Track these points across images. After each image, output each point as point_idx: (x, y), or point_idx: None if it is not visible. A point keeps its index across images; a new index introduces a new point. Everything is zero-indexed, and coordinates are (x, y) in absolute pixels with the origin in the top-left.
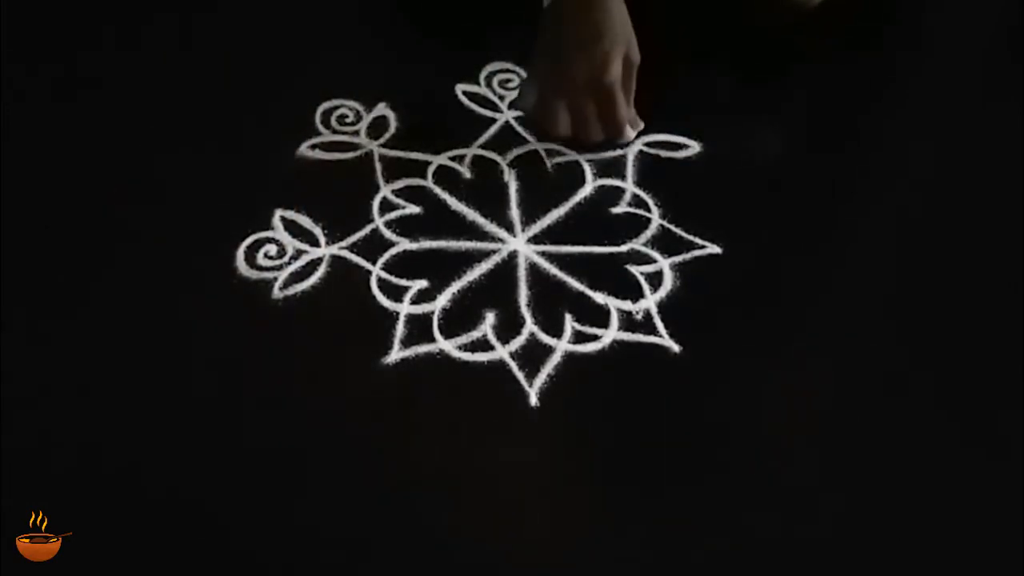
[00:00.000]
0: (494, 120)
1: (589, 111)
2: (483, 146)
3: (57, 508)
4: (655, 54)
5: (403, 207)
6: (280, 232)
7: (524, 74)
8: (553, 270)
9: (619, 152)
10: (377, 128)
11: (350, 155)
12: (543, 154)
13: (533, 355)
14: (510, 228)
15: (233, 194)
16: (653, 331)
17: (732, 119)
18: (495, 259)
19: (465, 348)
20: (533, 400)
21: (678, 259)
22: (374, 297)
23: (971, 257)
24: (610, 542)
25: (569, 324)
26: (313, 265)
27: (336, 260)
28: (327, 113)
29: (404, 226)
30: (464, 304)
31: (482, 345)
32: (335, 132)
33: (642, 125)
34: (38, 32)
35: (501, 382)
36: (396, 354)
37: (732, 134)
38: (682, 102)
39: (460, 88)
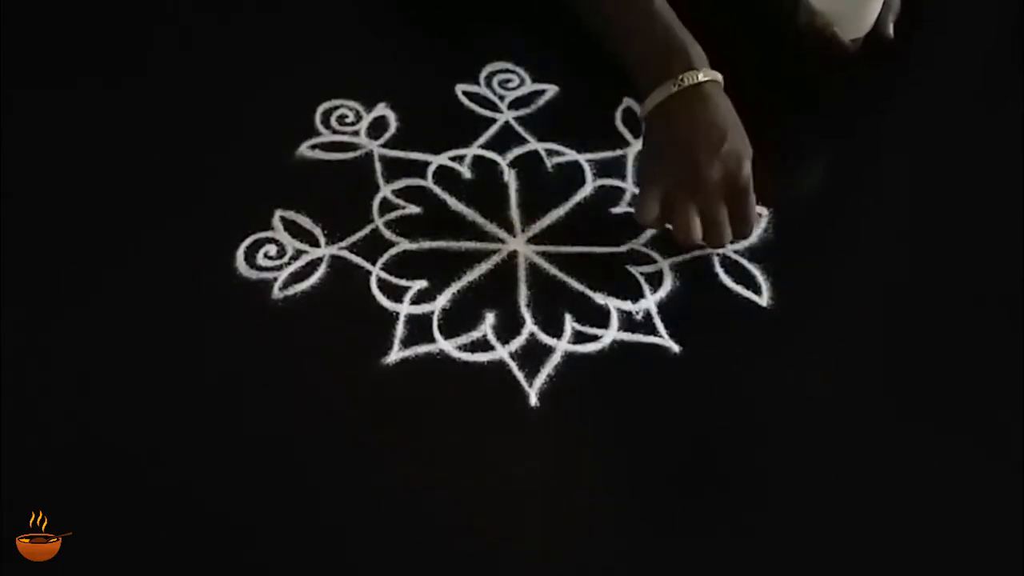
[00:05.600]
0: (494, 120)
1: (723, 214)
2: (483, 146)
3: (57, 508)
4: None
5: (403, 207)
6: (280, 232)
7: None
8: (553, 270)
9: (619, 152)
10: (377, 128)
11: (350, 155)
12: (543, 154)
13: (533, 355)
14: (510, 228)
15: (233, 194)
16: (653, 331)
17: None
18: (495, 259)
19: (465, 348)
20: (533, 400)
21: (678, 259)
22: (374, 297)
23: (973, 258)
24: (610, 542)
25: (569, 324)
26: (313, 265)
27: (336, 260)
28: (327, 113)
29: (404, 226)
30: (464, 304)
31: (482, 345)
32: (335, 132)
33: (765, 214)
34: (38, 32)
35: (501, 382)
36: (396, 354)
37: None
38: None
39: (460, 88)
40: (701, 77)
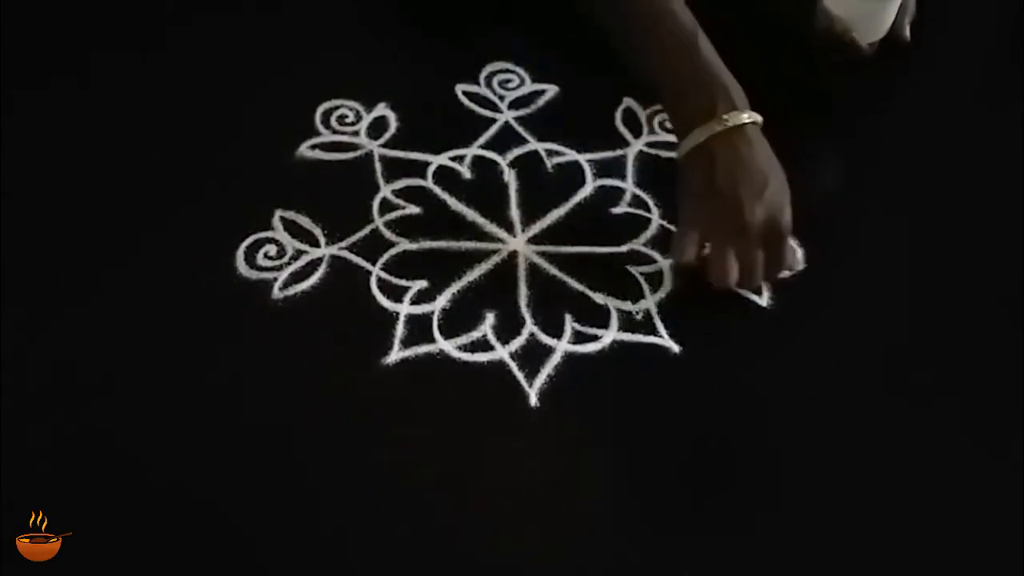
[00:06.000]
0: (494, 120)
1: (760, 259)
2: (483, 146)
3: (57, 508)
4: None
5: (403, 207)
6: (280, 232)
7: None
8: (553, 270)
9: (619, 152)
10: (377, 128)
11: (350, 155)
12: (543, 154)
13: (533, 355)
14: (510, 228)
15: (233, 194)
16: (653, 331)
17: None
18: (495, 259)
19: (465, 348)
20: (533, 400)
21: None
22: (374, 297)
23: (974, 258)
24: (610, 542)
25: (569, 324)
26: (313, 265)
27: (336, 260)
28: (327, 113)
29: (404, 226)
30: (464, 304)
31: (482, 345)
32: (335, 132)
33: (801, 264)
34: (38, 32)
35: (501, 382)
36: (396, 354)
37: None
38: None
39: (460, 88)
40: (745, 118)
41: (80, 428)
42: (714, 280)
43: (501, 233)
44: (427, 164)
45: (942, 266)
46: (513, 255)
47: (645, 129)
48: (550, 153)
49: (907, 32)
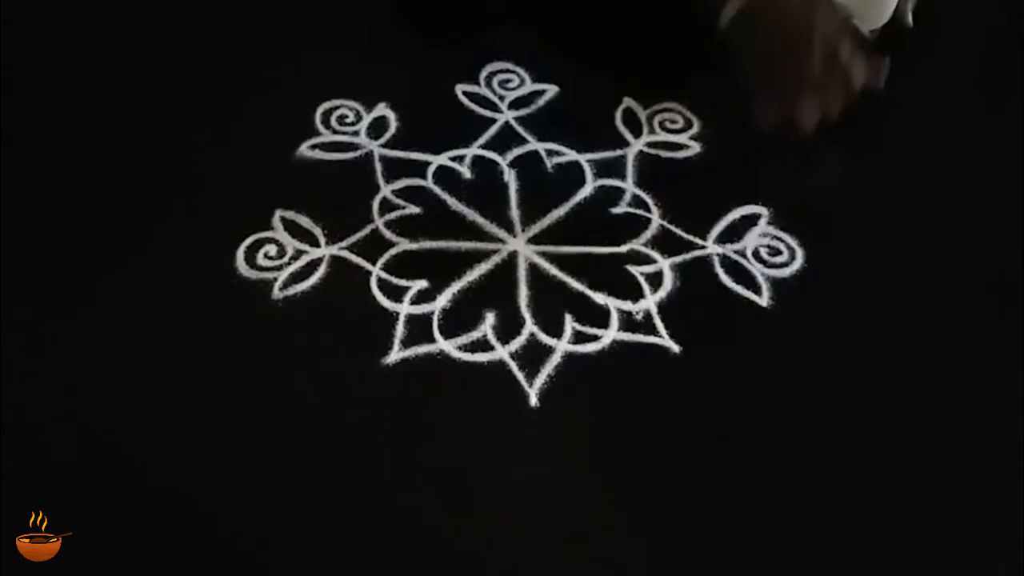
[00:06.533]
0: (494, 120)
1: (830, 91)
2: (483, 146)
3: (57, 508)
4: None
5: (403, 207)
6: (280, 232)
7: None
8: (553, 270)
9: (619, 152)
10: (377, 128)
11: (350, 155)
12: (543, 154)
13: (533, 355)
14: (510, 228)
15: (233, 194)
16: (653, 331)
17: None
18: (495, 259)
19: (465, 348)
20: (533, 400)
21: (678, 259)
22: (374, 297)
23: (974, 258)
24: (610, 543)
25: (569, 324)
26: (313, 265)
27: (336, 260)
28: (327, 113)
29: (404, 226)
30: (464, 304)
31: (482, 345)
32: (335, 132)
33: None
34: (37, 32)
35: (501, 382)
36: (396, 354)
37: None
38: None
39: (460, 88)
40: None
41: (80, 428)
42: (804, 127)
43: (501, 233)
44: (427, 164)
45: (943, 265)
46: (513, 255)
47: (645, 129)
48: (550, 153)
49: (910, 18)
